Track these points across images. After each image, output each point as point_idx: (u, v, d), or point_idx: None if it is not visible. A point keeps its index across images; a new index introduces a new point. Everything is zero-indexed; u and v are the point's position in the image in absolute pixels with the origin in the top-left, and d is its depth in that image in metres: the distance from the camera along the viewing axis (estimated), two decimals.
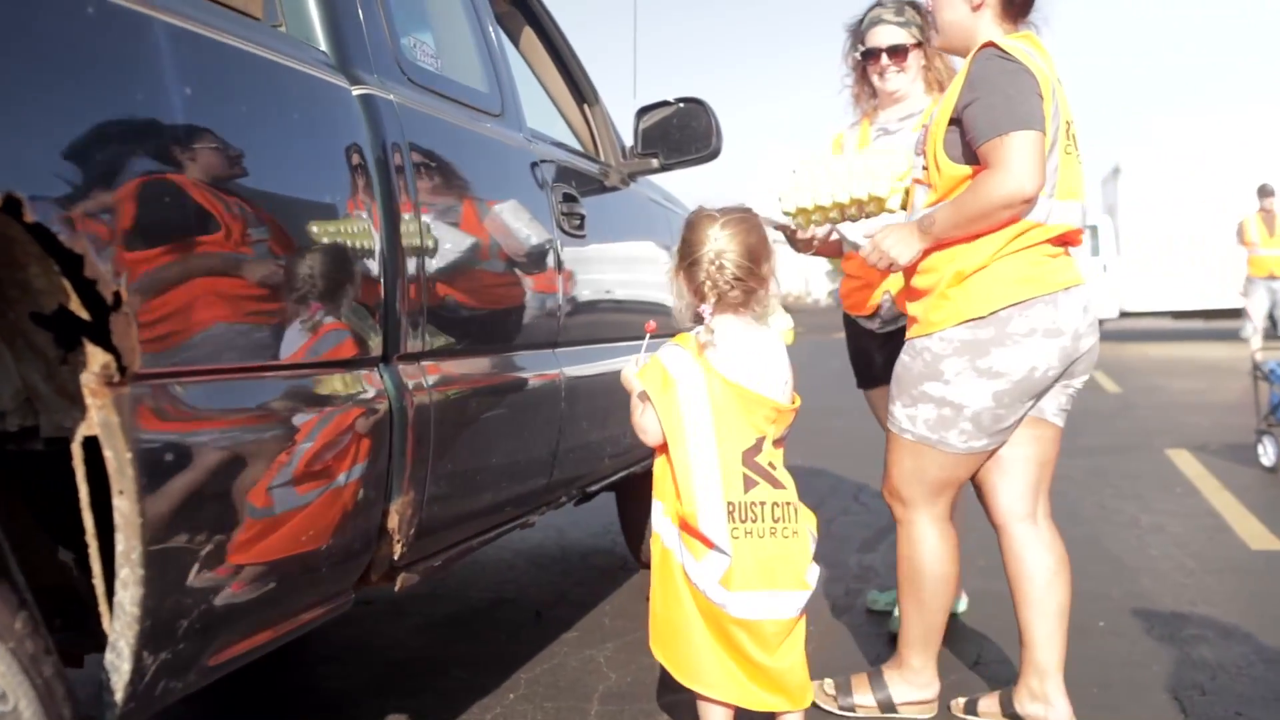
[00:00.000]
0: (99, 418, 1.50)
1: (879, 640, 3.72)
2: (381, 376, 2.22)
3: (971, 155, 2.68)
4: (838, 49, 3.81)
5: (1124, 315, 21.90)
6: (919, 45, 3.59)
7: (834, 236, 3.45)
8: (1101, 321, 22.40)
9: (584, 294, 3.34)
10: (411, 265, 2.30)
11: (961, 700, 3.02)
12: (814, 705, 2.86)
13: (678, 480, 2.53)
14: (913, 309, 2.89)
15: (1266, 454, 6.73)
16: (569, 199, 3.28)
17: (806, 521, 2.60)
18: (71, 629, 1.97)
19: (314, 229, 1.99)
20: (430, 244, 2.39)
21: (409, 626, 4.05)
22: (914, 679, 2.94)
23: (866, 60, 3.68)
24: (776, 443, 2.62)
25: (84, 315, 1.50)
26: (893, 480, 2.92)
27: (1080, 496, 6.12)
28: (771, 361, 2.62)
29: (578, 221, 3.31)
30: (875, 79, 3.68)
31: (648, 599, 2.71)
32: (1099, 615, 3.90)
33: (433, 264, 2.39)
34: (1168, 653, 3.51)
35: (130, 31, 1.60)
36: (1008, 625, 3.71)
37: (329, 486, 1.98)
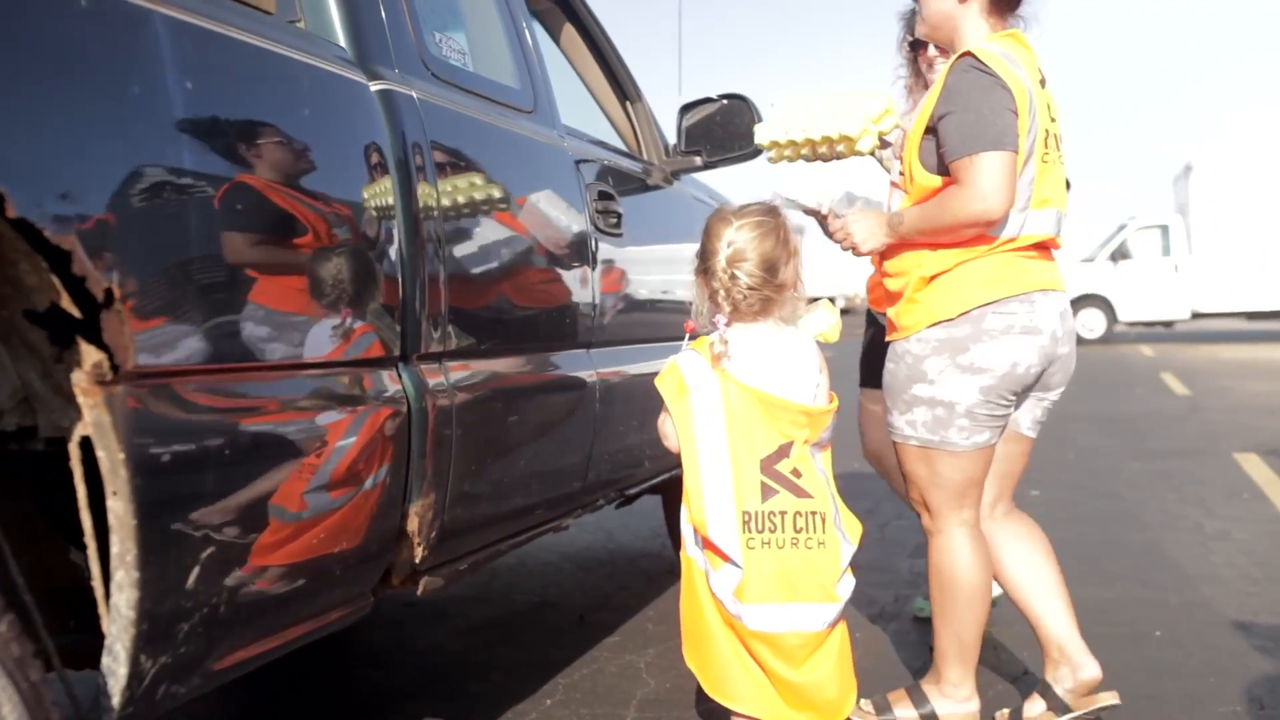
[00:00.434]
0: (91, 417, 1.47)
1: (925, 649, 3.62)
2: (400, 376, 2.18)
3: (945, 166, 2.67)
4: (891, 38, 3.74)
5: (1195, 316, 21.48)
6: None
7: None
8: (1172, 323, 22.18)
9: (621, 293, 3.29)
10: (431, 263, 2.26)
11: (1006, 711, 2.93)
12: None
13: (688, 488, 2.47)
14: (889, 313, 2.88)
15: None
16: (605, 197, 3.23)
17: (849, 530, 2.52)
18: (86, 630, 1.95)
19: (324, 225, 1.95)
20: (452, 241, 2.35)
21: (451, 629, 4.02)
22: (953, 693, 2.85)
23: (915, 50, 3.61)
24: (818, 446, 2.55)
25: (75, 313, 1.47)
26: (915, 490, 2.86)
27: (1142, 501, 5.96)
28: (798, 363, 2.54)
29: (614, 220, 3.26)
30: (924, 69, 3.60)
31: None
32: (1155, 624, 3.78)
33: (454, 262, 2.35)
34: (1226, 665, 3.38)
35: (126, 24, 1.57)
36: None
37: (340, 488, 1.95)
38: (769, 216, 2.55)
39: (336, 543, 1.96)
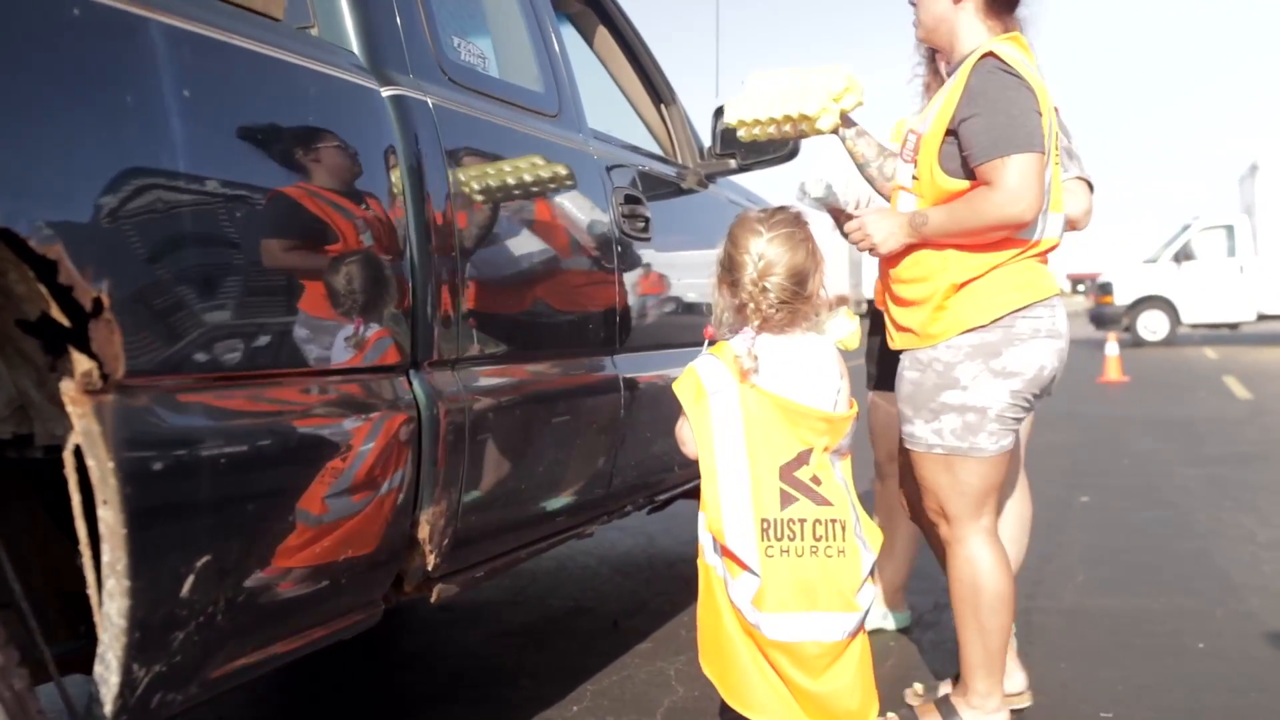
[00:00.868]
0: (80, 426, 1.47)
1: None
2: (410, 383, 2.17)
3: (969, 169, 2.64)
4: (909, 37, 3.67)
5: (1261, 318, 21.06)
6: None
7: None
8: (1237, 325, 21.76)
9: (649, 298, 3.27)
10: (444, 269, 2.25)
11: (919, 686, 3.04)
12: None
13: (705, 495, 2.44)
14: (904, 319, 2.82)
15: None
16: (632, 200, 3.21)
17: (870, 539, 2.48)
18: (94, 636, 1.96)
19: (324, 230, 1.95)
20: (466, 247, 2.34)
21: (483, 634, 4.02)
22: (981, 705, 2.79)
23: (934, 49, 3.55)
24: (838, 453, 2.51)
25: (65, 322, 1.47)
26: (934, 500, 2.81)
27: (1194, 508, 5.83)
28: (820, 370, 2.50)
29: (641, 224, 3.23)
30: (942, 68, 3.54)
31: None
32: (1199, 636, 3.68)
33: (468, 268, 2.34)
34: (1270, 680, 3.28)
35: (118, 32, 1.57)
36: (1078, 647, 3.59)
37: (342, 496, 1.94)
38: (797, 227, 2.52)
39: (340, 551, 1.95)
